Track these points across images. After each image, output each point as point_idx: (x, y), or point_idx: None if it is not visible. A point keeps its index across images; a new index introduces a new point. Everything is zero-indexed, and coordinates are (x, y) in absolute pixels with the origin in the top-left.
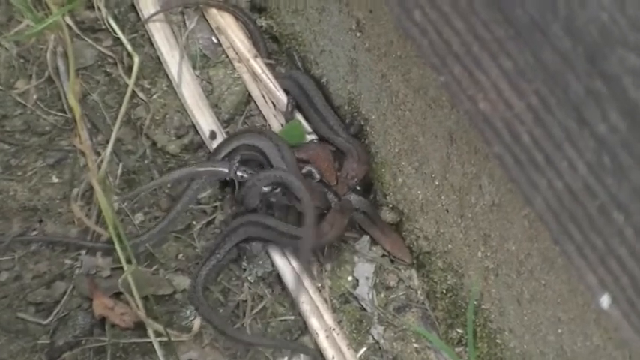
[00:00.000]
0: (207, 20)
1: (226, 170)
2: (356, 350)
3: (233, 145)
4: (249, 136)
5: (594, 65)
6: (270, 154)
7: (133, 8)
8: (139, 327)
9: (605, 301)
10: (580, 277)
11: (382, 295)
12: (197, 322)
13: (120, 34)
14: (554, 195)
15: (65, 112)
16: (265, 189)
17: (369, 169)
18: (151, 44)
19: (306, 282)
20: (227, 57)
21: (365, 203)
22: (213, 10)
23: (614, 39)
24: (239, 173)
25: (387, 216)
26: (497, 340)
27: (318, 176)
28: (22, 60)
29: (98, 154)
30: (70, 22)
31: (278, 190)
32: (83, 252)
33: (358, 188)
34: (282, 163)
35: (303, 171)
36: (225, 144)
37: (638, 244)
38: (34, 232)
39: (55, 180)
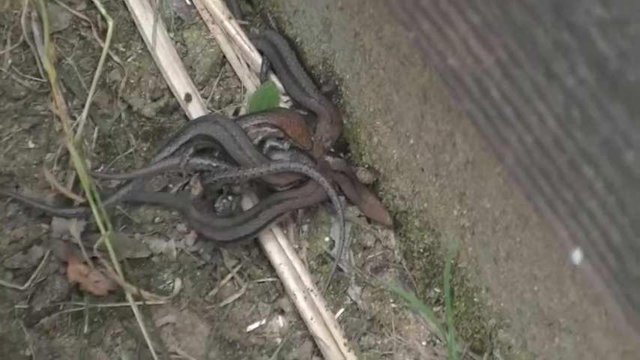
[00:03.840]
0: None
1: (177, 163)
2: (334, 311)
3: (188, 136)
4: (204, 126)
5: (561, 17)
6: (227, 145)
7: None
8: (116, 292)
9: (576, 256)
10: (552, 232)
11: (359, 255)
12: (177, 285)
13: None
14: (525, 150)
15: (40, 77)
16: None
17: (342, 129)
18: (125, 7)
19: (284, 243)
20: (201, 19)
21: (342, 163)
22: None
23: None
24: (197, 160)
25: (364, 176)
26: (475, 299)
27: (285, 143)
28: None
29: (74, 118)
30: None
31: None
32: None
33: (332, 150)
34: (241, 155)
35: (267, 135)
36: (180, 135)
37: (608, 198)
38: (10, 199)
39: (31, 145)
